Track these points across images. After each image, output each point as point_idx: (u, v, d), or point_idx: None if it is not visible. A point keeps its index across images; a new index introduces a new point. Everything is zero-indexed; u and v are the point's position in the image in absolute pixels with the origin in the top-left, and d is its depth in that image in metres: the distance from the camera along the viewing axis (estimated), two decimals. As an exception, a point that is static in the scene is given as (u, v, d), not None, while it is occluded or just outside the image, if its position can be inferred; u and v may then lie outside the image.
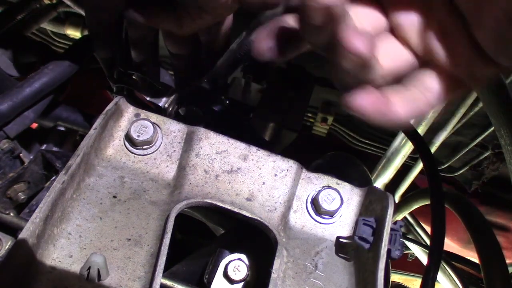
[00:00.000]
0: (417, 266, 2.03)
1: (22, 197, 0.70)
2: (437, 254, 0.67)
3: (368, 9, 0.49)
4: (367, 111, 0.45)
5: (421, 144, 0.81)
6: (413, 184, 1.69)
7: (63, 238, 0.59)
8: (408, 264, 2.23)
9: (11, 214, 0.63)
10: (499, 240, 1.00)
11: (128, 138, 0.70)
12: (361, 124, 1.76)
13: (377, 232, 0.66)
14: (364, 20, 0.49)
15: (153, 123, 0.71)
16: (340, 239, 0.71)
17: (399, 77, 0.49)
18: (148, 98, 0.82)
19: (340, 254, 0.70)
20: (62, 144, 0.98)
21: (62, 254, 0.57)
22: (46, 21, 1.32)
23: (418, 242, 1.52)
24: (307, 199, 0.73)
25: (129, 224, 0.63)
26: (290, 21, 0.51)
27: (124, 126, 0.71)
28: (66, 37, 1.69)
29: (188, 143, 0.72)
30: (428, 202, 0.82)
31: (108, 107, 0.68)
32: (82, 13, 1.18)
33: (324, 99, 1.69)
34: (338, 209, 0.71)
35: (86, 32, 1.58)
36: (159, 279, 0.55)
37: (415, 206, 1.27)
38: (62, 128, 0.96)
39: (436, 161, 1.74)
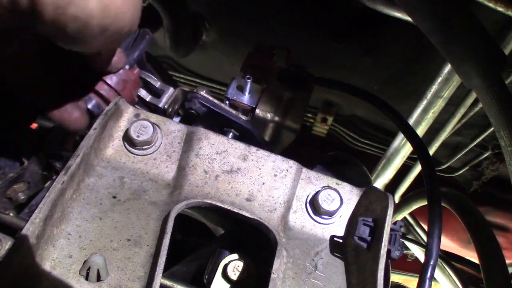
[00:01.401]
0: (417, 266, 2.03)
1: (22, 197, 0.70)
2: (434, 253, 0.67)
3: None
4: None
5: (419, 144, 0.81)
6: (413, 184, 1.69)
7: (62, 238, 0.59)
8: (408, 264, 2.23)
9: (11, 214, 0.63)
10: (499, 240, 1.00)
11: (127, 138, 0.70)
12: (361, 124, 1.76)
13: (377, 233, 0.66)
14: None
15: (152, 123, 0.71)
16: (335, 239, 0.71)
17: None
18: (148, 99, 0.82)
19: (336, 254, 0.70)
20: (62, 144, 0.98)
21: (62, 254, 0.57)
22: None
23: (418, 242, 1.52)
24: (306, 200, 0.73)
25: (128, 224, 0.63)
26: None
27: (124, 126, 0.71)
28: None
29: (188, 143, 0.72)
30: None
31: (107, 107, 0.68)
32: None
33: (324, 99, 1.69)
34: (337, 209, 0.71)
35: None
36: (159, 279, 0.56)
37: (415, 207, 1.27)
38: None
39: (436, 162, 1.75)
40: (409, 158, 1.53)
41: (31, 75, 0.63)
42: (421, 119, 1.33)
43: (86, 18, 0.48)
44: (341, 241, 0.71)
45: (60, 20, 0.47)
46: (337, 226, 0.72)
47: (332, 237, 0.71)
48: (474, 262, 1.53)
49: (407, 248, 1.59)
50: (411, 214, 1.65)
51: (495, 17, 0.97)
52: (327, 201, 0.71)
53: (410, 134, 0.85)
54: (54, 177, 0.72)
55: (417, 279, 0.65)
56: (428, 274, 0.64)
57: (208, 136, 0.72)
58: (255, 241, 0.70)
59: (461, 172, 1.79)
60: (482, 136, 1.54)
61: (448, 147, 1.69)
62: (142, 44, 0.80)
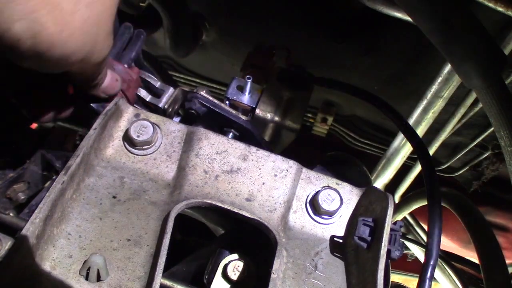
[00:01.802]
0: (417, 266, 2.03)
1: (22, 197, 0.70)
2: (434, 253, 0.67)
3: None
4: None
5: (419, 144, 0.81)
6: (413, 184, 1.69)
7: (62, 238, 0.59)
8: (408, 264, 2.23)
9: (11, 214, 0.63)
10: (499, 240, 1.00)
11: (127, 138, 0.70)
12: (361, 124, 1.76)
13: (377, 233, 0.66)
14: None
15: (152, 123, 0.71)
16: (335, 239, 0.71)
17: None
18: (148, 99, 0.82)
19: (336, 254, 0.70)
20: (62, 144, 0.98)
21: (62, 254, 0.57)
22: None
23: (418, 242, 1.52)
24: (306, 200, 0.73)
25: (129, 224, 0.63)
26: None
27: (124, 126, 0.71)
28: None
29: (188, 143, 0.72)
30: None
31: (107, 107, 0.68)
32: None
33: (324, 99, 1.69)
34: (337, 209, 0.71)
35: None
36: (159, 279, 0.56)
37: (415, 207, 1.27)
38: (65, 125, 0.95)
39: (436, 162, 1.74)
40: (409, 158, 1.53)
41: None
42: (421, 119, 1.33)
43: (11, 41, 0.44)
44: (341, 241, 0.71)
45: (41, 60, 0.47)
46: (337, 226, 0.72)
47: (332, 237, 0.71)
48: (474, 262, 1.53)
49: (407, 248, 1.59)
50: (411, 214, 1.65)
51: (495, 17, 0.97)
52: (327, 201, 0.71)
53: (410, 134, 0.85)
54: (54, 177, 0.72)
55: (417, 279, 0.65)
56: (428, 274, 0.64)
57: (208, 136, 0.72)
58: (255, 241, 0.70)
59: (461, 172, 1.79)
60: (482, 136, 1.54)
61: (448, 147, 1.69)
62: (137, 44, 0.81)
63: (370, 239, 0.66)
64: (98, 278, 0.55)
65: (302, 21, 1.37)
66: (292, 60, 1.29)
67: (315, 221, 0.72)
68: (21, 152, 0.76)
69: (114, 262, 0.58)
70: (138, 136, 0.69)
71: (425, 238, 1.66)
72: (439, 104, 1.27)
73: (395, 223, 0.67)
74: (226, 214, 0.67)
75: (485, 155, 1.67)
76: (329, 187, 0.72)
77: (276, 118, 1.01)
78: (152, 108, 0.83)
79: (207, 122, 0.86)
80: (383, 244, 0.63)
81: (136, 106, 0.78)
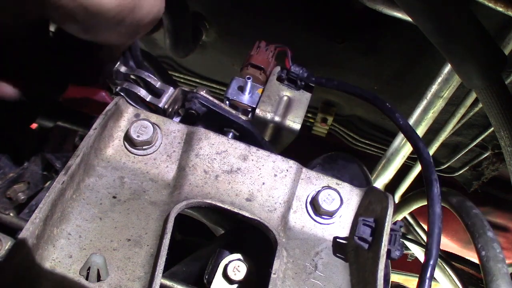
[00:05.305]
0: (417, 266, 2.03)
1: (22, 198, 0.70)
2: (434, 253, 0.67)
3: None
4: None
5: (419, 144, 0.81)
6: (413, 184, 1.69)
7: (62, 238, 0.59)
8: (408, 264, 2.23)
9: (11, 214, 0.63)
10: (499, 240, 1.00)
11: (127, 138, 0.70)
12: (361, 124, 1.77)
13: (377, 233, 0.66)
14: None
15: (153, 124, 0.71)
16: (337, 239, 0.71)
17: None
18: (148, 99, 0.82)
19: (338, 255, 0.70)
20: (62, 144, 0.98)
21: (62, 254, 0.57)
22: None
23: (418, 242, 1.52)
24: (306, 200, 0.73)
25: (128, 224, 0.63)
26: None
27: (124, 126, 0.71)
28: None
29: (188, 143, 0.72)
30: (428, 203, 0.82)
31: (107, 108, 0.68)
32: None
33: (324, 99, 1.69)
34: (337, 209, 0.71)
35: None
36: (159, 280, 0.55)
37: (415, 207, 1.27)
38: (65, 125, 0.95)
39: (436, 162, 1.75)
40: (409, 158, 1.53)
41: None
42: (421, 119, 1.33)
43: (101, 11, 0.47)
44: (344, 241, 0.71)
45: (71, 10, 0.46)
46: (337, 226, 0.72)
47: (335, 238, 0.71)
48: (474, 262, 1.53)
49: (407, 248, 1.60)
50: (411, 214, 1.65)
51: (495, 17, 0.97)
52: (327, 201, 0.71)
53: (410, 134, 0.84)
54: (54, 177, 0.72)
55: (417, 279, 0.65)
56: (428, 274, 0.64)
57: (208, 136, 0.72)
58: (255, 241, 0.70)
59: (461, 172, 1.79)
60: (482, 136, 1.54)
61: (448, 147, 1.69)
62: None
63: (370, 239, 0.66)
64: (98, 278, 0.55)
65: (302, 21, 1.37)
66: (292, 60, 1.29)
67: (315, 221, 0.72)
68: (21, 152, 0.76)
69: (114, 262, 0.58)
70: (138, 136, 0.69)
71: (425, 238, 1.66)
72: (439, 104, 1.27)
73: (395, 223, 0.67)
74: (226, 214, 0.67)
75: (485, 155, 1.67)
76: (329, 187, 0.72)
77: (276, 118, 1.01)
78: (152, 108, 0.83)
79: (207, 122, 0.86)
80: (383, 244, 0.63)
81: (136, 106, 0.78)
